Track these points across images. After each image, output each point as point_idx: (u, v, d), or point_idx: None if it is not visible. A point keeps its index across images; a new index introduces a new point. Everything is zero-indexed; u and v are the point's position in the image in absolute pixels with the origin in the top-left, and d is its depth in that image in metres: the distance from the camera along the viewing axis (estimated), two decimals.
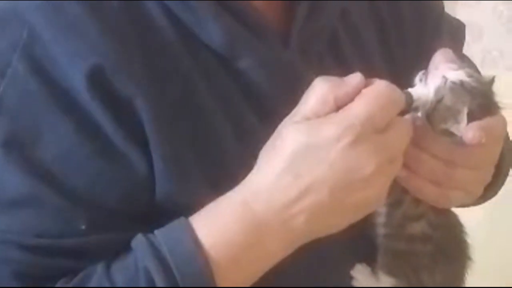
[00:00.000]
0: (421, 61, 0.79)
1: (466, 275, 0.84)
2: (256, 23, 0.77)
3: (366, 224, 0.79)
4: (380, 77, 0.73)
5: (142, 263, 0.69)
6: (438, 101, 0.75)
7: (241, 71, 0.76)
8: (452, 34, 0.95)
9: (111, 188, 0.71)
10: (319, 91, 0.71)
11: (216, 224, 0.71)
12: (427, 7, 0.93)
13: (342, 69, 0.75)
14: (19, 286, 0.68)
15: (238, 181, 0.72)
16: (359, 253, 0.83)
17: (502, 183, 0.90)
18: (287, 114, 0.72)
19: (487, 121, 0.75)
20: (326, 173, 0.69)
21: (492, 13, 2.31)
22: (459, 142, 0.75)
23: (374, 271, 0.81)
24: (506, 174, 0.90)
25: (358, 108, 0.70)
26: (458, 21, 1.00)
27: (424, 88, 0.76)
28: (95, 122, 0.70)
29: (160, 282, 0.68)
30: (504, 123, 0.78)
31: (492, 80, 0.78)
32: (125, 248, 0.71)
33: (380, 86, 0.71)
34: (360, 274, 0.81)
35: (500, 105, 0.78)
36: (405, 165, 0.75)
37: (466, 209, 0.86)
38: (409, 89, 0.76)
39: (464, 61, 0.82)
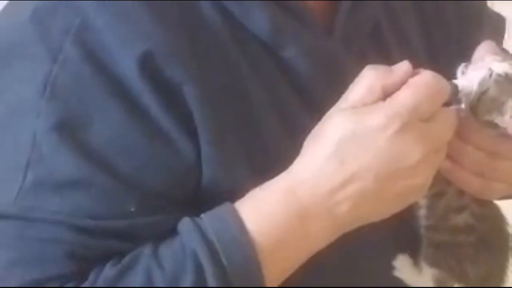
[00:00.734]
0: (463, 54, 0.80)
1: (508, 266, 0.84)
2: (301, 13, 0.78)
3: (409, 216, 0.80)
4: (424, 69, 0.73)
5: (190, 246, 0.70)
6: (483, 92, 0.75)
7: (286, 59, 0.77)
8: (493, 28, 0.96)
9: (160, 172, 0.72)
10: (367, 79, 0.72)
11: (261, 211, 0.72)
12: (469, 1, 0.94)
13: (384, 61, 0.75)
14: (73, 266, 0.69)
15: (283, 168, 0.73)
16: (402, 244, 0.83)
17: None
18: (329, 103, 0.73)
19: None
20: (371, 160, 0.70)
21: None
22: (503, 134, 0.75)
23: (416, 262, 0.82)
24: None
25: (405, 97, 0.71)
26: (499, 15, 1.00)
27: (467, 80, 0.76)
28: (146, 108, 0.71)
29: (208, 266, 0.69)
30: None
31: None
32: (172, 231, 0.72)
33: (427, 76, 0.72)
34: (403, 264, 0.82)
35: None
36: (449, 156, 0.76)
37: (507, 201, 0.86)
38: (453, 81, 0.76)
39: (507, 54, 0.82)
